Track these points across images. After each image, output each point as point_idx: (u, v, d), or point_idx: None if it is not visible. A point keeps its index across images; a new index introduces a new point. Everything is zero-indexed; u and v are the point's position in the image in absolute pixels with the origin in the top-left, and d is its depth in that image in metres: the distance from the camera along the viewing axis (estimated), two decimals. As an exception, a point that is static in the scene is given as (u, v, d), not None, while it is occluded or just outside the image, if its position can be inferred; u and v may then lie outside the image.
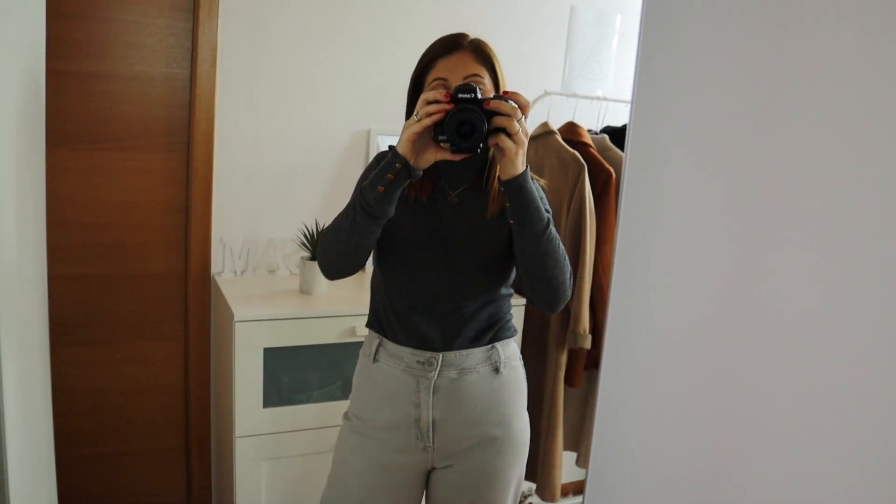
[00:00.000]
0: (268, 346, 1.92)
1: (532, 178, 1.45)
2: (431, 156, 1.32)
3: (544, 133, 2.31)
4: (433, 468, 1.56)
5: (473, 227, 1.47)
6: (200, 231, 2.16)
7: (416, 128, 1.29)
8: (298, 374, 2.01)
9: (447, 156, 1.31)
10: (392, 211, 1.36)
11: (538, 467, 2.38)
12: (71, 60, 2.02)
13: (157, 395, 2.29)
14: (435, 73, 1.44)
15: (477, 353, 1.50)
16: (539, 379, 2.31)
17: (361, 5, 2.28)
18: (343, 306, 2.00)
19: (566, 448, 2.44)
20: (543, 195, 1.51)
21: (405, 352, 1.49)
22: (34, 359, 1.11)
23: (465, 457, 1.53)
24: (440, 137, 1.30)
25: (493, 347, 1.52)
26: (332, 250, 1.42)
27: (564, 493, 2.50)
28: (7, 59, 0.83)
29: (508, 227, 1.48)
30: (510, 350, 1.56)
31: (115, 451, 2.28)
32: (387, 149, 1.41)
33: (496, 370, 1.52)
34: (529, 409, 1.62)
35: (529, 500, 2.82)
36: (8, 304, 0.84)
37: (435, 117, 1.29)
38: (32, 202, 1.21)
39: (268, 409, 1.96)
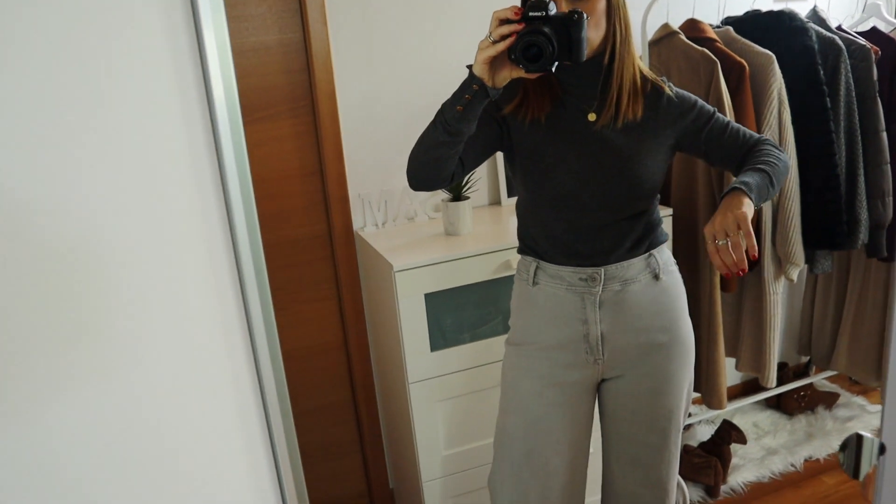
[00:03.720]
0: (428, 291, 1.95)
1: (664, 87, 1.48)
2: (507, 74, 1.30)
3: (666, 35, 2.22)
4: (603, 380, 1.61)
5: (619, 143, 1.46)
6: (338, 190, 2.19)
7: (490, 51, 1.27)
8: (459, 314, 2.04)
9: (523, 73, 1.29)
10: (472, 129, 1.36)
11: (702, 376, 2.36)
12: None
13: (319, 354, 2.37)
14: None
15: (637, 263, 1.52)
16: (694, 287, 2.27)
17: (458, -65, 2.22)
18: (493, 242, 2.01)
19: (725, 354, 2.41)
20: (690, 99, 1.51)
21: (566, 271, 1.52)
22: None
23: (635, 365, 1.57)
24: (511, 57, 1.27)
25: (650, 255, 1.54)
26: (415, 161, 1.44)
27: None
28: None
29: (651, 136, 1.48)
30: (665, 256, 1.58)
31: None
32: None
33: (656, 277, 1.54)
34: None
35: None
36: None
37: (507, 41, 1.26)
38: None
39: (435, 353, 2.00)
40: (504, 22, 1.27)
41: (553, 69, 1.27)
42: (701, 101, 1.51)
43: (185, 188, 0.69)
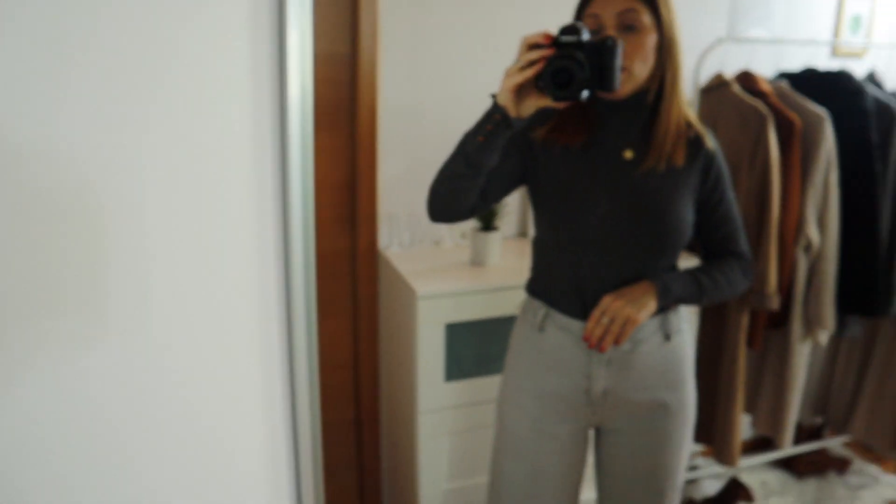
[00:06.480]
0: (449, 321, 1.89)
1: (705, 137, 1.43)
2: (533, 102, 1.23)
3: (719, 85, 2.17)
4: (599, 428, 1.55)
5: (654, 187, 1.39)
6: (367, 207, 2.14)
7: (518, 77, 1.20)
8: (478, 347, 1.99)
9: (549, 103, 1.22)
10: (494, 161, 1.30)
11: (716, 431, 2.30)
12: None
13: (326, 370, 2.31)
14: (589, 9, 1.33)
15: (650, 324, 1.45)
16: (717, 341, 2.22)
17: (515, -39, 2.17)
18: (520, 277, 1.94)
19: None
20: (722, 166, 1.46)
21: (577, 325, 1.45)
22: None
23: (636, 422, 1.50)
24: (539, 84, 1.20)
25: (665, 315, 1.47)
26: (435, 191, 1.38)
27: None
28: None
29: (684, 185, 1.42)
30: (680, 315, 1.51)
31: (293, 425, 2.33)
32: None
33: (667, 337, 1.47)
34: (707, 372, 1.59)
35: (694, 462, 2.75)
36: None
37: (536, 67, 1.19)
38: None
39: (449, 384, 1.94)
40: (534, 47, 1.21)
41: (583, 98, 1.21)
42: (729, 179, 1.48)
43: (244, 179, 0.67)
